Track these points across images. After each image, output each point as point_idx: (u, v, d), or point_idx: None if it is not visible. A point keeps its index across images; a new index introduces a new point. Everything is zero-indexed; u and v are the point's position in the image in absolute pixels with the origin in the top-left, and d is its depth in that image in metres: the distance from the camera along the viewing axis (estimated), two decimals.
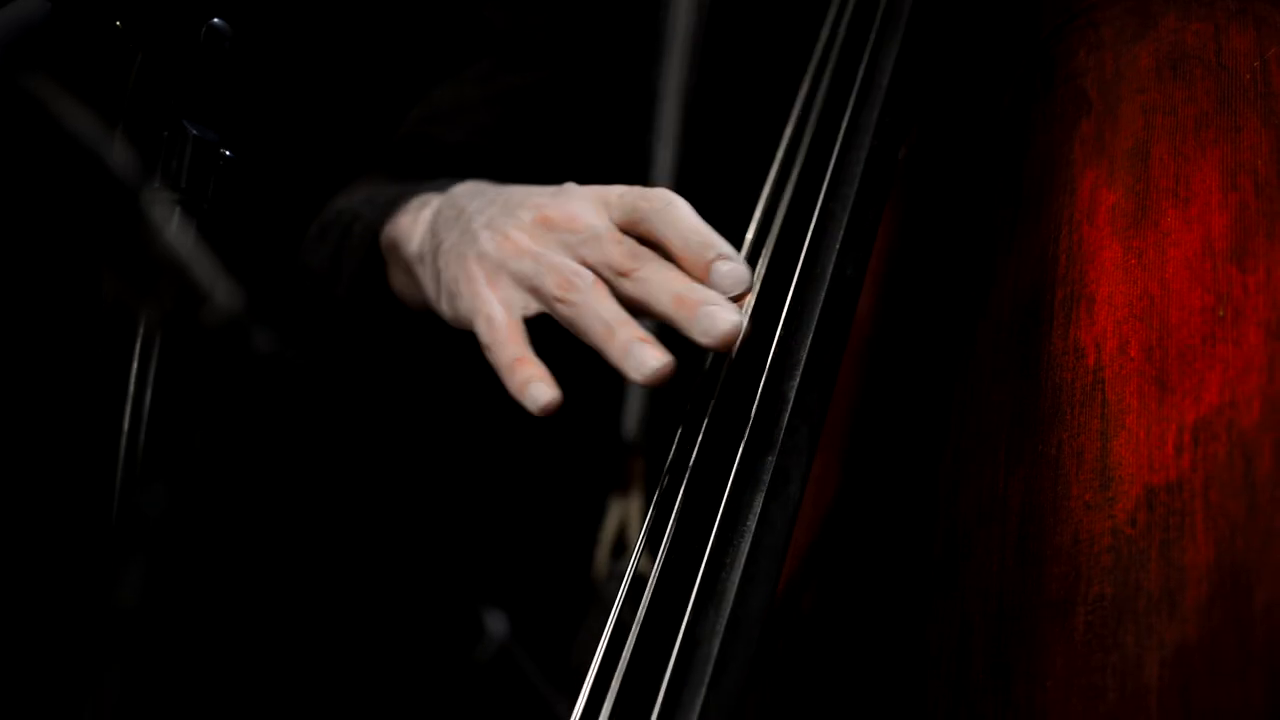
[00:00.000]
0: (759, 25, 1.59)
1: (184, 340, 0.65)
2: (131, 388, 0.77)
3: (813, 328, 1.08)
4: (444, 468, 2.02)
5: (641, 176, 1.58)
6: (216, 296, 0.63)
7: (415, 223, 1.33)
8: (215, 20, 0.90)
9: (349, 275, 1.46)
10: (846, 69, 1.25)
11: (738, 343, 1.09)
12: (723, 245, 1.12)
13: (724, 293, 1.10)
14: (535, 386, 1.14)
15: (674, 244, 1.13)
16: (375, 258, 1.40)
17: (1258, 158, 1.02)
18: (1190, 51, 1.12)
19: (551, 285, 1.15)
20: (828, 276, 1.11)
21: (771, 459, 1.03)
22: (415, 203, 1.35)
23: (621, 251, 1.14)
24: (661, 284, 1.12)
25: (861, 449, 1.20)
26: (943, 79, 1.33)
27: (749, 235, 1.21)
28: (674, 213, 1.13)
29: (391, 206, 1.38)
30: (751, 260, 1.17)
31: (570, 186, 1.22)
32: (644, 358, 1.10)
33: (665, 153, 1.58)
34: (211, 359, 0.64)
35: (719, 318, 1.08)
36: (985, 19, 1.36)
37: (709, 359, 1.16)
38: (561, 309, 1.15)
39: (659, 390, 1.22)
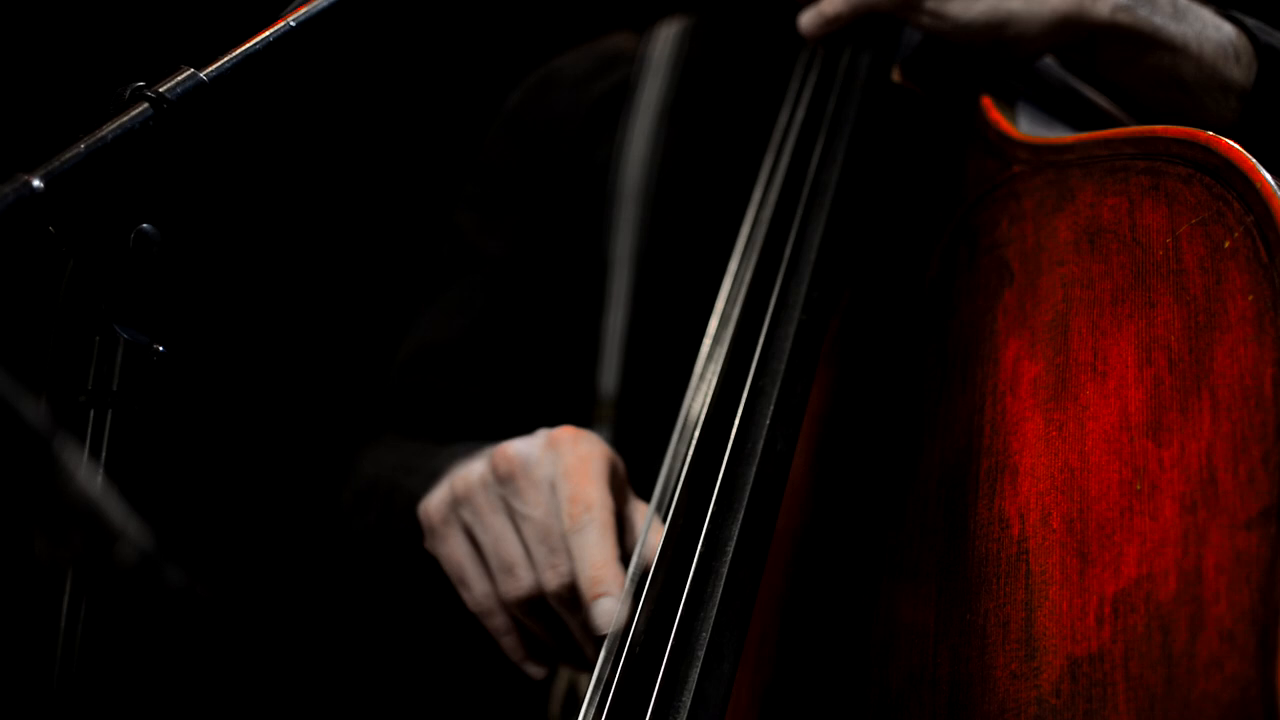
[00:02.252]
0: (705, 198, 1.64)
1: (99, 580, 0.67)
2: (61, 634, 0.79)
3: (744, 504, 1.10)
4: (386, 642, 2.05)
5: (591, 348, 1.65)
6: (128, 536, 0.65)
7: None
8: (145, 225, 0.92)
9: (393, 541, 1.55)
10: (774, 244, 1.27)
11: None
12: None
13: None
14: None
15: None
16: (414, 527, 1.45)
17: (1170, 334, 1.05)
18: (1106, 226, 1.14)
19: None
20: (758, 453, 1.13)
21: (706, 635, 1.05)
22: (446, 478, 1.41)
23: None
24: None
25: (796, 613, 1.22)
26: (871, 246, 1.36)
27: (683, 410, 1.24)
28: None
29: (430, 478, 1.44)
30: (686, 437, 1.20)
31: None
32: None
33: (616, 320, 1.64)
34: (126, 596, 0.66)
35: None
36: (911, 189, 1.39)
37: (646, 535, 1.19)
38: None
39: None
